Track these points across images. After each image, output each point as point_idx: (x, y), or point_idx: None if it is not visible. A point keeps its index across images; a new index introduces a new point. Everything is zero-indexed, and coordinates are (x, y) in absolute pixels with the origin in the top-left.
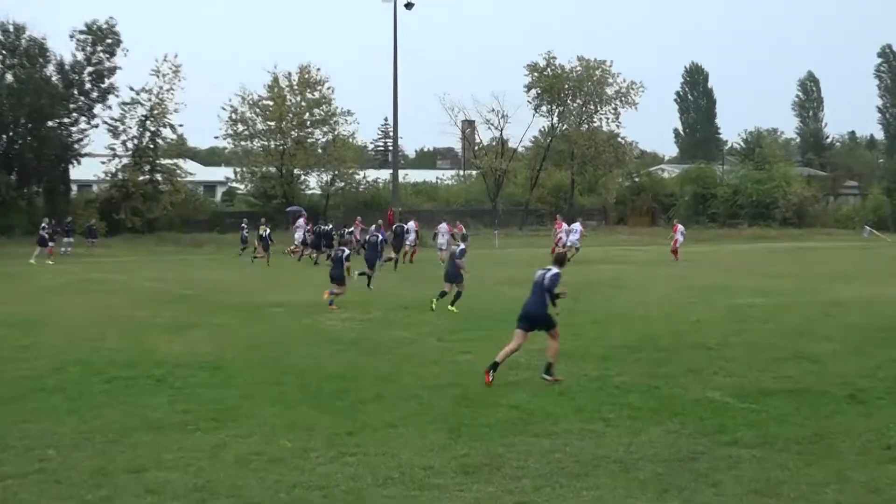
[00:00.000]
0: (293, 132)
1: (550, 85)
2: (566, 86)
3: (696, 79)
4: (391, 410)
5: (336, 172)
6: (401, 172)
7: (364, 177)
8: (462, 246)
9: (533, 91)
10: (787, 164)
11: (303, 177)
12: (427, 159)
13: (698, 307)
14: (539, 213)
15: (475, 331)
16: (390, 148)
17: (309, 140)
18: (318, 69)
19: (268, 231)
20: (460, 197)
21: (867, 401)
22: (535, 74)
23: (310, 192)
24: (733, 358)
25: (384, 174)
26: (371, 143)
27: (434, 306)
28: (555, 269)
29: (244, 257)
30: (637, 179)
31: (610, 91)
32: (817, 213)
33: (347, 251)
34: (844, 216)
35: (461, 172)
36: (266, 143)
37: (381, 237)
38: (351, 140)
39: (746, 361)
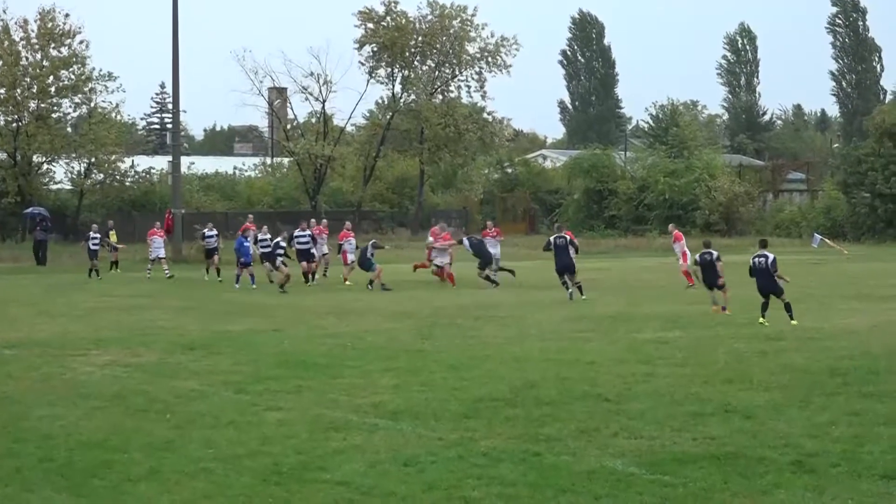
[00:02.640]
0: (31, 103)
1: (391, 40)
2: (413, 41)
3: (587, 33)
4: (171, 491)
5: (93, 160)
6: (185, 160)
7: (133, 165)
8: (771, 256)
9: (367, 48)
10: (712, 149)
11: (46, 165)
12: (221, 142)
13: (593, 344)
14: (376, 215)
15: (288, 379)
16: (169, 126)
17: (54, 114)
18: (67, 15)
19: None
20: (268, 194)
21: (817, 469)
22: (370, 25)
23: (56, 186)
24: (640, 413)
25: (161, 162)
26: (143, 119)
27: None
28: None
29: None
30: (510, 170)
31: (473, 49)
32: (751, 217)
33: (717, 253)
34: (787, 220)
35: (268, 160)
36: None
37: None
38: (114, 115)
39: (657, 418)
